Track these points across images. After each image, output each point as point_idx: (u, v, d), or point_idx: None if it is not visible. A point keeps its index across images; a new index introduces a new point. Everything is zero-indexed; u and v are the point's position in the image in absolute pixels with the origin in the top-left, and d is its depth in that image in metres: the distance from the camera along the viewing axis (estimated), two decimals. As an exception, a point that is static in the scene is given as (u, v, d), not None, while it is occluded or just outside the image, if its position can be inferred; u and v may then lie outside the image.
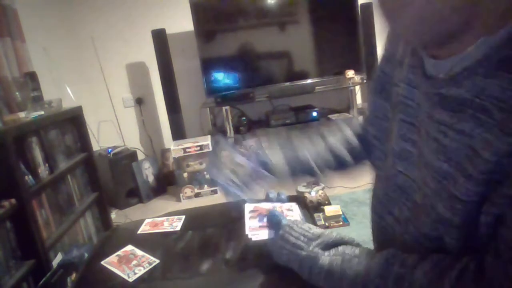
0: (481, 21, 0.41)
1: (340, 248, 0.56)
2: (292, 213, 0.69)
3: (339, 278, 0.53)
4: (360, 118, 0.83)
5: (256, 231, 0.65)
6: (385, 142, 0.63)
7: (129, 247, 0.83)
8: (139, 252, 0.81)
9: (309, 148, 0.77)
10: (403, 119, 0.56)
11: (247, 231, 0.65)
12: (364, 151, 0.75)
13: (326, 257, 0.55)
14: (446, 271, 0.44)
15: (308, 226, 0.62)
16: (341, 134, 0.79)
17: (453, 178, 0.44)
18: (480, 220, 0.41)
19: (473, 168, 0.41)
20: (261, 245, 0.66)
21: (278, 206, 0.71)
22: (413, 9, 0.41)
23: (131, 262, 0.77)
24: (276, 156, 0.75)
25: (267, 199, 0.75)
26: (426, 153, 0.49)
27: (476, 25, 0.41)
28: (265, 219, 0.67)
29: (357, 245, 0.58)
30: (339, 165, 0.77)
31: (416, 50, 0.54)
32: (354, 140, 0.77)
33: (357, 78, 3.03)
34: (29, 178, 1.61)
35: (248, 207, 0.71)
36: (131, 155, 2.99)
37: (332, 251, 0.56)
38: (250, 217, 0.68)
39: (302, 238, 0.59)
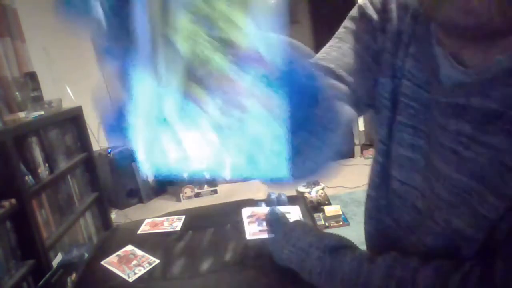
0: None
1: (342, 250, 0.56)
2: (290, 215, 0.69)
3: (340, 280, 0.53)
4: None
5: (256, 235, 0.65)
6: (381, 137, 0.56)
7: (129, 247, 0.83)
8: (139, 252, 0.81)
9: None
10: (403, 122, 0.51)
11: (247, 236, 0.65)
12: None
13: (327, 259, 0.55)
14: (449, 274, 0.43)
15: (309, 227, 0.61)
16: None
17: (478, 195, 0.41)
18: (498, 227, 0.40)
19: (506, 185, 0.39)
20: (260, 245, 0.66)
21: (276, 209, 0.71)
22: None
23: (131, 262, 0.77)
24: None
25: (268, 199, 0.75)
26: (438, 163, 0.46)
27: None
28: (264, 223, 0.67)
29: (358, 248, 0.58)
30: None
31: (426, 44, 0.47)
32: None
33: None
34: (29, 178, 1.61)
35: (245, 212, 0.71)
36: (131, 155, 2.98)
37: (334, 253, 0.56)
38: (249, 222, 0.68)
39: (303, 239, 0.59)
